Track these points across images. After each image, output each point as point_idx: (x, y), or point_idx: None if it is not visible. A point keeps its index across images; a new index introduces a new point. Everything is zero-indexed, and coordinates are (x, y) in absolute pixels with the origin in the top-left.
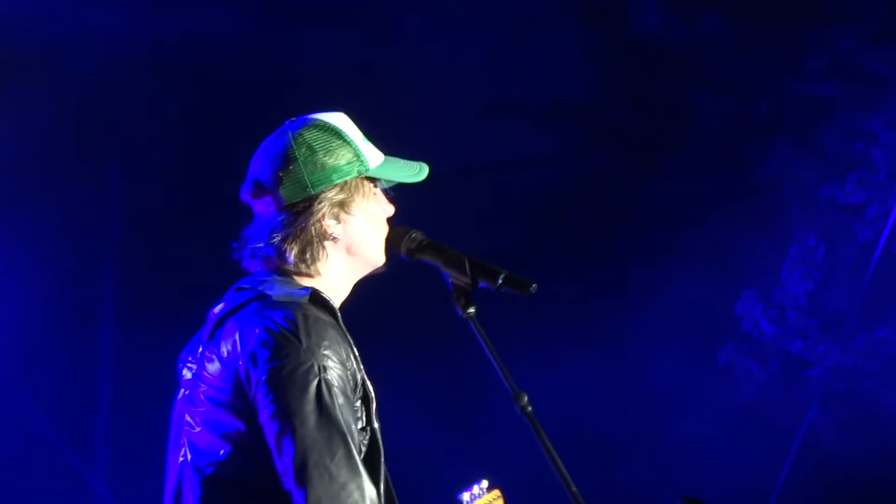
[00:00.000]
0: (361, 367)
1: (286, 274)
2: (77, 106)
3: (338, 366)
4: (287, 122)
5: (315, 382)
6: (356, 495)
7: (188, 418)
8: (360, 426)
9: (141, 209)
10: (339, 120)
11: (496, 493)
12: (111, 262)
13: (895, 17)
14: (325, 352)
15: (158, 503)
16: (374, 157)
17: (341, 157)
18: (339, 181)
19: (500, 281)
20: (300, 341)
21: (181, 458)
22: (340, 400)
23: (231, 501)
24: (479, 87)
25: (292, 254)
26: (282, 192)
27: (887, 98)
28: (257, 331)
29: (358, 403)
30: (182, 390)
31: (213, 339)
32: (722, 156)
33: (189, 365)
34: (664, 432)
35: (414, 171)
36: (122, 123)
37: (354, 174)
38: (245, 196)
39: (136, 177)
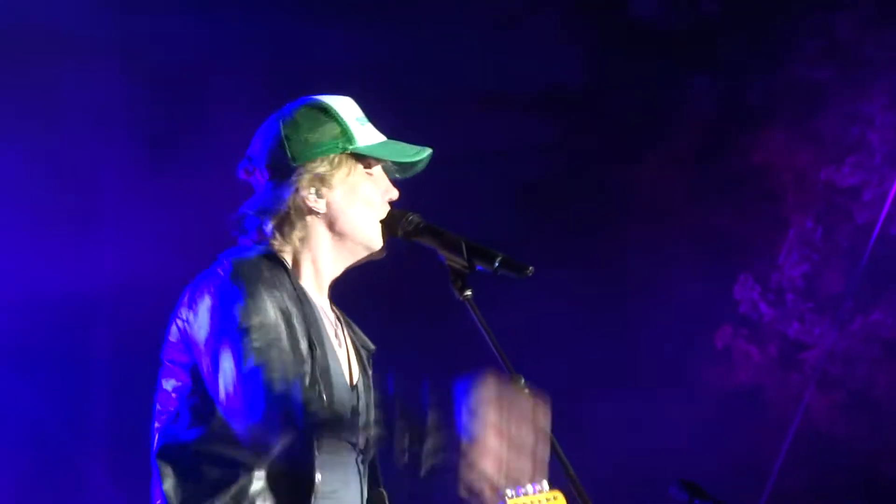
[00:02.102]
0: (305, 321)
1: (263, 243)
2: None
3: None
4: (286, 104)
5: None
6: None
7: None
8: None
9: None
10: (334, 100)
11: (555, 493)
12: (110, 242)
13: (890, 0)
14: (251, 287)
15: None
16: (366, 136)
17: (326, 133)
18: (320, 156)
19: (497, 264)
20: (230, 282)
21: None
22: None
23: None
24: (470, 76)
25: (271, 224)
26: (267, 166)
27: (883, 81)
28: (198, 283)
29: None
30: None
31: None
32: (717, 140)
33: None
34: (661, 416)
35: (411, 153)
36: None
37: (338, 150)
38: (240, 173)
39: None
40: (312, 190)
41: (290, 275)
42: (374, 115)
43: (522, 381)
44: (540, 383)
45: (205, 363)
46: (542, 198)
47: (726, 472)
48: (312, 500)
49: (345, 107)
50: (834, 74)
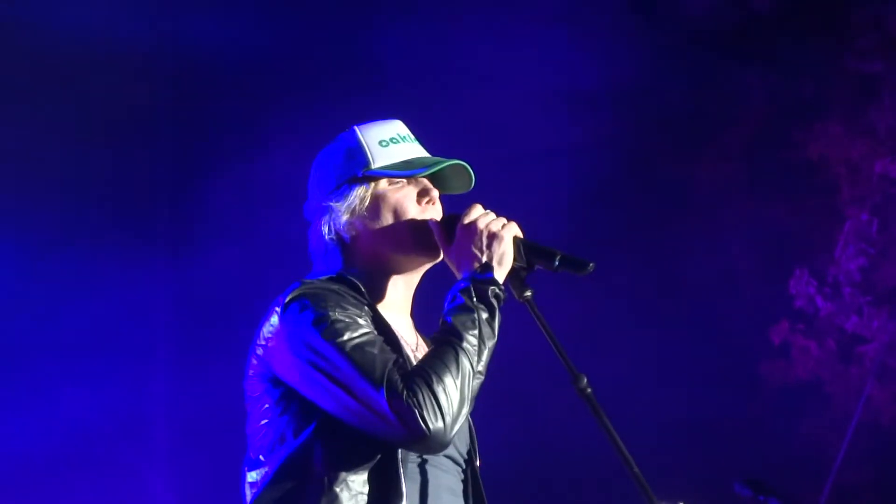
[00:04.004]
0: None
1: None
2: None
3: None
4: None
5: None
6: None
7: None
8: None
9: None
10: (366, 127)
11: None
12: (167, 261)
13: None
14: (317, 297)
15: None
16: (386, 156)
17: (339, 167)
18: (337, 188)
19: (557, 262)
20: (297, 299)
21: None
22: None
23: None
24: (525, 75)
25: (330, 259)
26: (309, 211)
27: None
28: (268, 310)
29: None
30: None
31: None
32: (771, 135)
33: None
34: (721, 413)
35: (429, 162)
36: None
37: (350, 178)
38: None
39: None
40: (344, 219)
41: (363, 294)
42: (431, 118)
43: (585, 380)
44: (600, 381)
45: (300, 381)
46: (598, 194)
47: (787, 468)
48: None
49: (371, 133)
50: (887, 67)
